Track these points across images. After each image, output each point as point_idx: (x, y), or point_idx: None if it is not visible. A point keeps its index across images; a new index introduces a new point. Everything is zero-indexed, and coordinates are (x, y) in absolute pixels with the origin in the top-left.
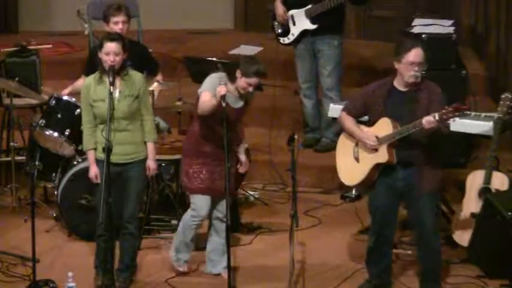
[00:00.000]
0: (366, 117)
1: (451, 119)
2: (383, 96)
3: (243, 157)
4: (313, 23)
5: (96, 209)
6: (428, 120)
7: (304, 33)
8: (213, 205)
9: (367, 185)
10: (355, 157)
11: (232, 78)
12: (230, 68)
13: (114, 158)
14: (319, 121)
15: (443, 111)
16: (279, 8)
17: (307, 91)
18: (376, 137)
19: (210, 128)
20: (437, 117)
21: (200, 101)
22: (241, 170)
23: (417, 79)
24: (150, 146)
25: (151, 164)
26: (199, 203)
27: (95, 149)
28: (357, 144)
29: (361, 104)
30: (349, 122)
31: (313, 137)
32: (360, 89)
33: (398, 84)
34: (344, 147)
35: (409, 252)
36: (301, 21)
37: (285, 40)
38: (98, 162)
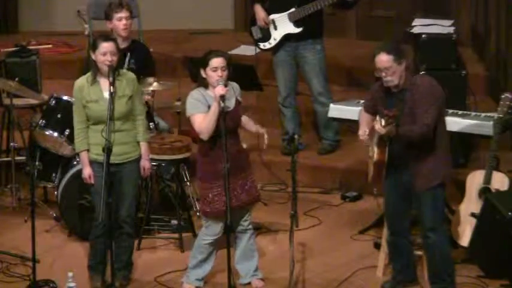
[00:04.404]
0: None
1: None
2: (381, 97)
3: (256, 128)
4: (297, 26)
5: (94, 210)
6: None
7: (287, 38)
8: (235, 218)
9: (379, 182)
10: (369, 155)
11: (205, 84)
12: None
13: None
14: (299, 129)
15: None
16: (260, 12)
17: (287, 100)
18: (371, 130)
19: (212, 143)
20: (383, 123)
21: (196, 125)
22: (266, 141)
23: (391, 83)
24: (144, 146)
25: (146, 163)
26: (214, 223)
27: (88, 150)
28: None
29: (370, 100)
30: (361, 117)
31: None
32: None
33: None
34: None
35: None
36: (283, 26)
37: (266, 45)
38: (91, 163)
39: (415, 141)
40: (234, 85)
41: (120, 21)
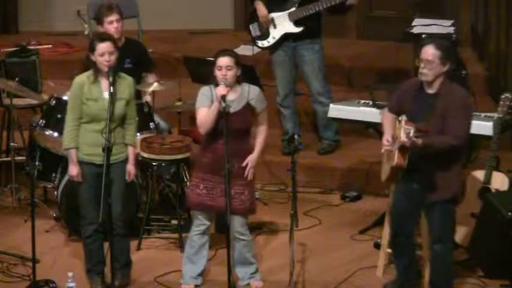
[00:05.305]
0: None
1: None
2: (411, 96)
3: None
4: (297, 26)
5: (81, 210)
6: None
7: (285, 38)
8: (218, 218)
9: (392, 183)
10: (387, 154)
11: (215, 82)
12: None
13: (97, 159)
14: (299, 128)
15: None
16: (262, 9)
17: (285, 100)
18: (393, 138)
19: (209, 137)
20: (411, 134)
21: (198, 118)
22: (250, 174)
23: (425, 77)
24: (131, 150)
25: (132, 168)
26: (197, 214)
27: (77, 148)
28: None
29: (396, 100)
30: (385, 120)
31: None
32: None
33: (424, 84)
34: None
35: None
36: (283, 25)
37: (264, 43)
38: (81, 163)
39: (439, 151)
40: (252, 89)
41: (111, 25)
